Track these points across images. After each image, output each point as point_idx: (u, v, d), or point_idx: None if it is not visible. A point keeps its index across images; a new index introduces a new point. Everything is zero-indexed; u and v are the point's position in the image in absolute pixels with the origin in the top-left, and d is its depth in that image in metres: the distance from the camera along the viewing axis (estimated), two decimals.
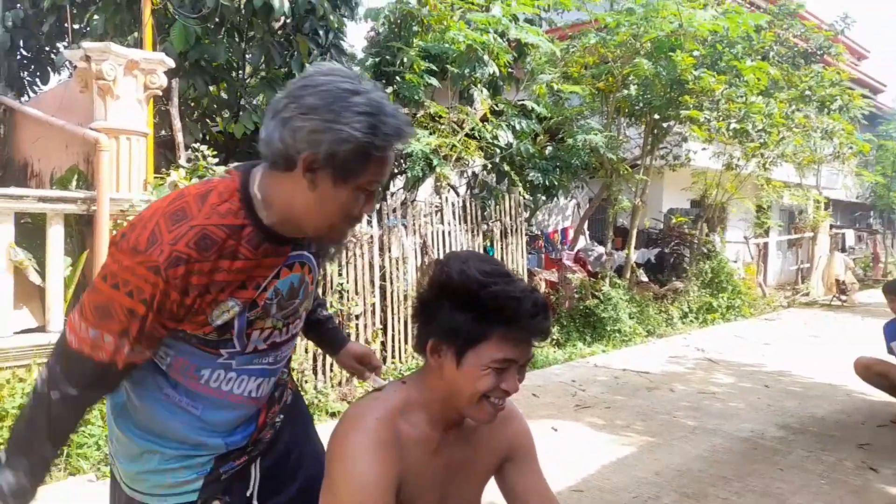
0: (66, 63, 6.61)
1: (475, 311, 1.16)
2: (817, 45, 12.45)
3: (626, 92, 7.98)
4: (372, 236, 5.64)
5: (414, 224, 6.09)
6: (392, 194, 7.31)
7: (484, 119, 7.17)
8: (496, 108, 7.35)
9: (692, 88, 7.67)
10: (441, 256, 1.31)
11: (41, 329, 3.94)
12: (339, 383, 5.23)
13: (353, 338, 5.35)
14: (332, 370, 5.22)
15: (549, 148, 8.19)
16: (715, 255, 10.18)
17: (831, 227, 14.56)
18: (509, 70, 7.38)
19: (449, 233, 6.42)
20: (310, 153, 1.07)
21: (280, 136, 1.09)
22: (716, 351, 7.34)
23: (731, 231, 11.99)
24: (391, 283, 5.79)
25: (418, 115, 6.67)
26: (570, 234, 10.75)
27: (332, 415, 4.69)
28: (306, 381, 4.99)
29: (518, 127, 7.17)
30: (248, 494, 1.33)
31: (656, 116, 8.37)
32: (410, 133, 1.15)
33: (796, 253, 14.54)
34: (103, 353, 1.11)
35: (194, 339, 1.18)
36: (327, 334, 1.68)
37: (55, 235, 3.89)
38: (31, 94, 7.01)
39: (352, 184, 1.11)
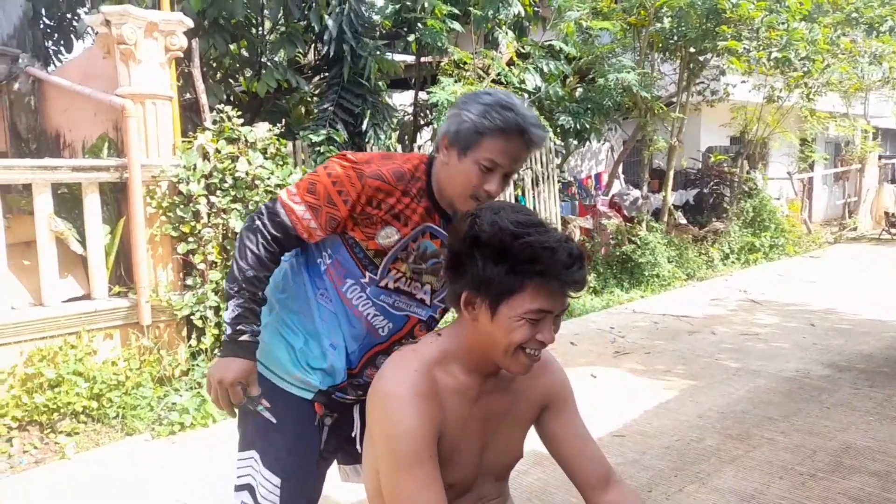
0: (88, 29, 6.59)
1: (508, 263, 1.13)
2: None
3: (659, 25, 7.62)
4: None
5: None
6: (419, 147, 7.22)
7: (510, 63, 6.95)
8: (522, 51, 7.11)
9: (730, 17, 7.27)
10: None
11: (87, 297, 4.04)
12: None
13: None
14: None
15: (580, 90, 7.93)
16: (756, 192, 9.86)
17: (880, 157, 13.92)
18: (535, 9, 7.10)
19: None
20: (444, 133, 1.43)
21: (441, 126, 1.46)
22: (759, 291, 7.18)
23: (774, 167, 11.56)
24: None
25: (442, 63, 6.50)
26: (604, 178, 10.51)
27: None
28: None
29: (546, 69, 6.94)
30: (353, 435, 1.61)
31: (692, 50, 8.00)
32: (523, 124, 1.36)
33: (843, 186, 14.00)
34: (296, 220, 1.45)
35: (357, 248, 1.49)
36: None
37: (92, 204, 3.95)
38: (57, 64, 7.04)
39: (471, 157, 1.38)
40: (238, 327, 1.44)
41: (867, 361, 4.51)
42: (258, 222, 1.46)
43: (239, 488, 1.56)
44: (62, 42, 7.35)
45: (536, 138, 1.40)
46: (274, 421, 1.51)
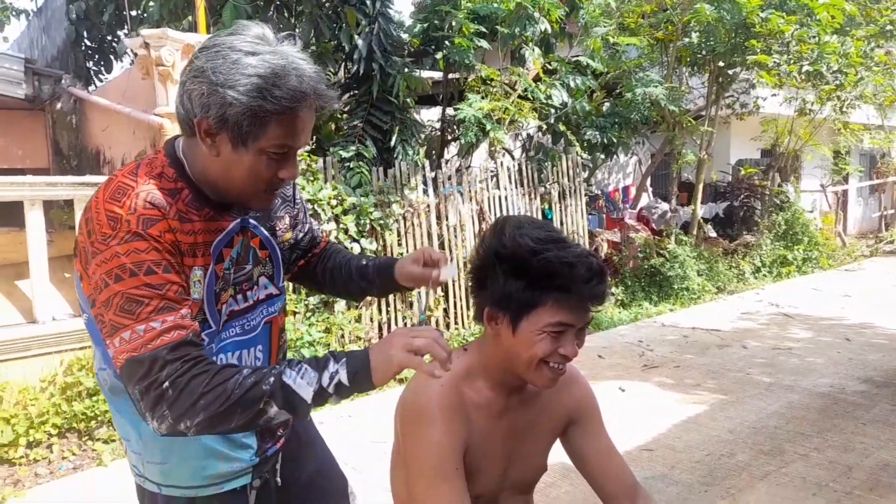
0: (128, 51, 6.84)
1: (528, 278, 1.15)
2: None
3: (687, 40, 7.60)
4: (429, 205, 5.65)
5: (470, 191, 6.06)
6: (447, 161, 7.29)
7: (537, 79, 7.00)
8: (549, 67, 7.15)
9: (759, 31, 7.23)
10: (496, 220, 1.29)
11: None
12: None
13: (413, 307, 5.42)
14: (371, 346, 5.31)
15: (607, 104, 7.93)
16: (789, 205, 9.70)
17: None
18: (562, 26, 7.14)
19: (505, 198, 6.37)
20: (202, 118, 1.05)
21: (181, 101, 1.08)
22: (791, 305, 7.04)
23: (806, 180, 11.37)
24: (450, 251, 5.81)
25: (469, 80, 6.58)
26: (632, 191, 10.45)
27: (400, 381, 4.79)
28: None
29: (573, 84, 6.96)
30: (275, 468, 1.38)
31: (721, 64, 7.96)
32: (317, 92, 1.07)
33: (879, 199, 13.67)
34: (167, 335, 1.01)
35: None
36: (374, 273, 1.48)
37: None
38: (98, 84, 7.30)
39: (252, 148, 1.06)
40: (327, 386, 1.02)
41: None
42: (159, 386, 0.98)
43: None
44: (102, 63, 7.63)
45: (328, 100, 1.10)
46: None
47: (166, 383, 0.98)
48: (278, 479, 1.36)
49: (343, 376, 1.01)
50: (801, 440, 3.40)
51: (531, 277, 1.14)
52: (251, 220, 1.25)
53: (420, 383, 1.23)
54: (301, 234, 1.49)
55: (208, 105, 1.03)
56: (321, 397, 1.01)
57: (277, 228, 1.35)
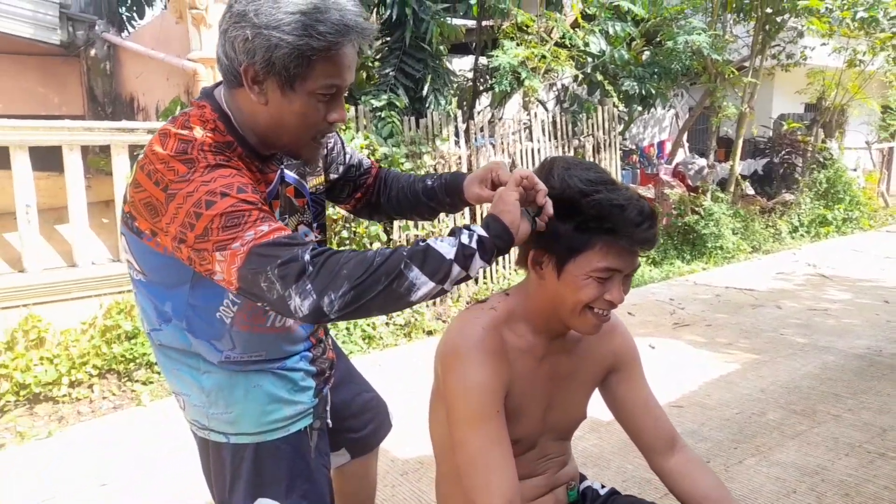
0: None
1: (577, 220, 1.12)
2: None
3: None
4: (460, 157, 5.58)
5: (502, 143, 5.96)
6: (478, 112, 7.16)
7: (574, 25, 6.76)
8: (587, 13, 6.90)
9: None
10: (543, 160, 1.24)
11: None
12: (434, 303, 5.36)
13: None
14: None
15: (646, 53, 7.66)
16: (831, 163, 9.36)
17: None
18: None
19: (538, 150, 6.25)
20: (248, 64, 1.02)
21: (223, 50, 1.05)
22: (829, 266, 6.87)
23: (851, 136, 10.92)
24: (481, 203, 5.75)
25: (504, 27, 6.38)
26: (668, 146, 10.19)
27: (429, 333, 4.84)
28: None
29: (612, 32, 6.72)
30: (327, 420, 1.40)
31: (769, 10, 7.57)
32: (359, 27, 1.04)
33: None
34: (281, 233, 0.99)
35: None
36: (441, 193, 1.44)
37: None
38: (131, 30, 7.28)
39: (301, 91, 1.04)
40: (469, 242, 1.02)
41: None
42: (288, 282, 0.96)
43: None
44: (135, 8, 7.59)
45: (369, 35, 1.07)
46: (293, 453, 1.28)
47: (306, 257, 0.96)
48: (329, 421, 1.39)
49: (479, 231, 1.02)
50: (834, 401, 3.35)
51: (580, 219, 1.11)
52: (286, 171, 1.23)
53: (462, 326, 1.22)
54: (346, 167, 1.46)
55: (253, 50, 1.01)
56: (463, 255, 1.00)
57: (308, 174, 1.32)
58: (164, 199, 1.01)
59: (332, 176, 1.45)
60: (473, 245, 1.01)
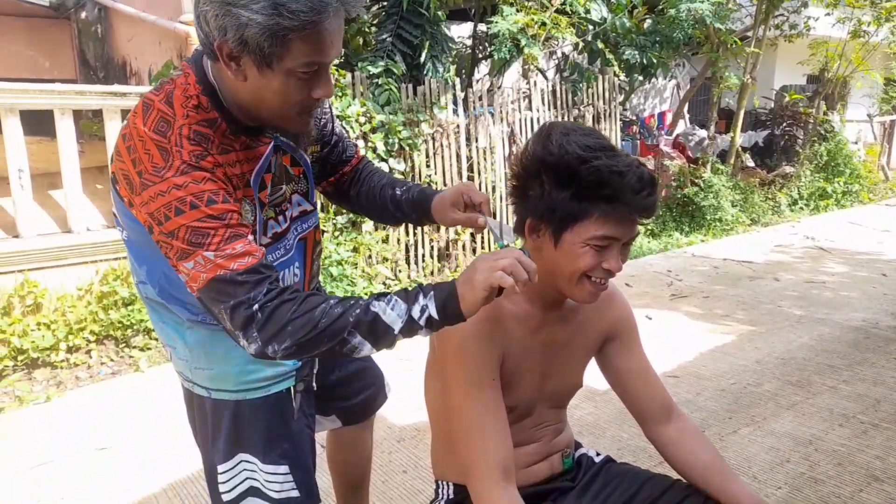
0: None
1: (575, 187, 1.09)
2: None
3: None
4: (458, 126, 5.51)
5: (501, 112, 5.89)
6: (477, 80, 7.06)
7: None
8: None
9: None
10: (542, 125, 1.21)
11: None
12: (432, 272, 5.35)
13: (441, 230, 5.39)
14: (424, 260, 5.32)
15: (648, 21, 7.53)
16: (833, 135, 9.29)
17: None
18: None
19: (538, 119, 6.18)
20: (221, 41, 0.96)
21: (198, 23, 0.99)
22: (827, 239, 6.87)
23: (853, 109, 10.83)
24: (479, 173, 5.71)
25: None
26: (668, 117, 10.10)
27: None
28: (400, 271, 5.13)
29: None
30: (313, 384, 1.40)
31: None
32: (336, 2, 0.96)
33: None
34: (242, 260, 0.98)
35: None
36: (408, 208, 1.42)
37: None
38: None
39: (279, 70, 0.98)
40: (418, 318, 0.98)
41: None
42: (243, 310, 0.97)
43: (241, 497, 1.30)
44: None
45: (356, 4, 1.00)
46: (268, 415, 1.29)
47: (255, 306, 0.97)
48: (314, 385, 1.38)
49: (432, 309, 0.97)
50: (830, 373, 3.37)
51: (578, 186, 1.08)
52: (281, 139, 1.19)
53: None
54: (328, 148, 1.42)
55: (224, 27, 0.94)
56: (410, 329, 0.98)
57: (302, 141, 1.29)
58: (139, 183, 1.00)
59: (325, 148, 1.42)
60: (422, 323, 0.98)
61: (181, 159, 0.99)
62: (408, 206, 1.41)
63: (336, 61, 1.77)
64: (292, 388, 1.31)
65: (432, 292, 0.99)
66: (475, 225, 1.30)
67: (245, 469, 1.29)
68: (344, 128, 4.95)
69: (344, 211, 4.82)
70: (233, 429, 1.27)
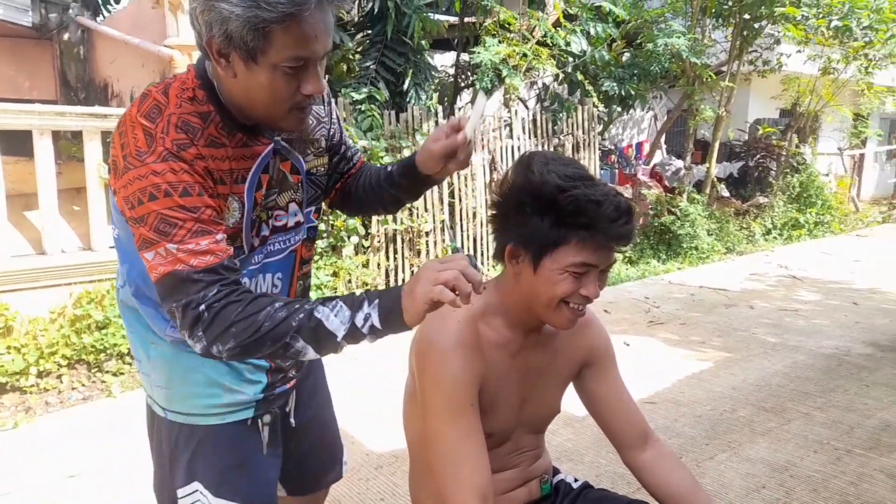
0: None
1: (554, 216, 1.11)
2: None
3: None
4: None
5: (482, 139, 5.96)
6: (460, 108, 7.15)
7: (556, 24, 6.79)
8: (569, 12, 6.93)
9: None
10: (522, 155, 1.23)
11: None
12: None
13: (423, 255, 5.41)
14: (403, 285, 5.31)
15: (627, 55, 7.72)
16: (805, 167, 9.54)
17: None
18: None
19: (518, 148, 6.27)
20: (209, 37, 0.99)
21: (191, 22, 1.02)
22: (800, 268, 7.00)
23: (824, 142, 11.15)
24: (459, 200, 5.75)
25: (486, 23, 6.38)
26: (646, 148, 10.30)
27: None
28: None
29: (593, 32, 6.76)
30: (287, 410, 1.37)
31: (747, 16, 7.69)
32: None
33: None
34: (203, 258, 0.99)
35: None
36: (398, 175, 1.39)
37: None
38: (106, 14, 7.13)
39: (264, 64, 0.98)
40: (361, 327, 0.97)
41: None
42: (192, 310, 0.98)
43: None
44: None
45: None
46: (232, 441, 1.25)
47: (202, 306, 0.97)
48: (292, 420, 1.34)
49: (375, 319, 0.97)
50: (803, 399, 3.42)
51: (557, 214, 1.10)
52: (282, 143, 1.19)
53: (437, 319, 1.21)
54: (338, 157, 1.39)
55: (210, 23, 0.97)
56: (354, 336, 0.97)
57: (310, 152, 1.27)
58: (123, 166, 1.02)
59: (335, 158, 1.39)
60: (365, 332, 0.97)
61: (164, 146, 1.00)
62: (398, 174, 1.38)
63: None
64: (260, 421, 1.26)
65: (377, 300, 0.97)
66: (458, 144, 1.24)
67: (198, 500, 1.24)
68: None
69: (324, 235, 4.82)
70: (188, 454, 1.23)
